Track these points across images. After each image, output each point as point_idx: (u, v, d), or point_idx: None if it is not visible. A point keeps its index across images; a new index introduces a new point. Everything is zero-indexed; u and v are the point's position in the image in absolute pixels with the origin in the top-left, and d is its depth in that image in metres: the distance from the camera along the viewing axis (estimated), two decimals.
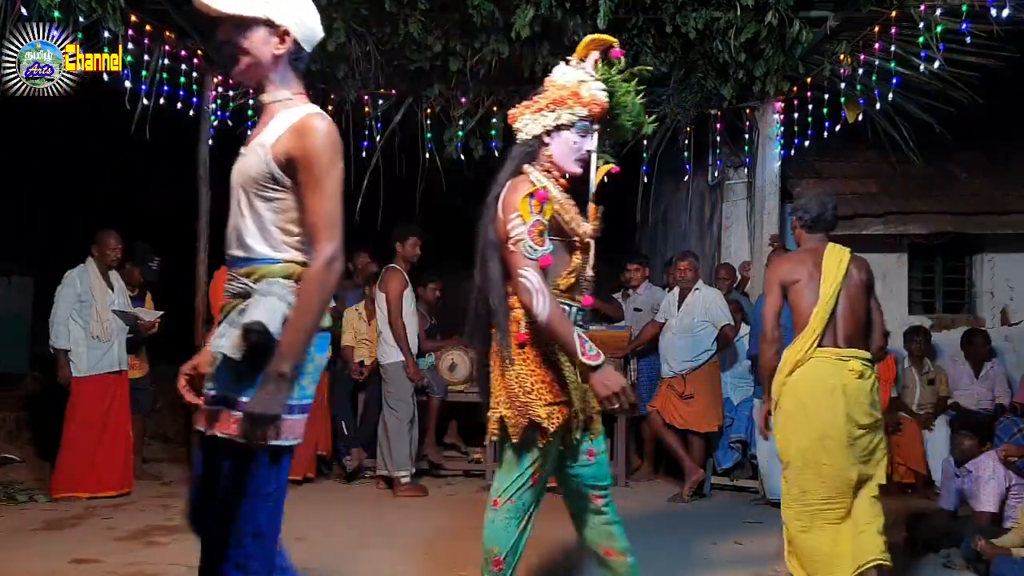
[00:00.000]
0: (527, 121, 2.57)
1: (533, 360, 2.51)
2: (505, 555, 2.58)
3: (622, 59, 2.63)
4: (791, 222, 3.96)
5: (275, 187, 1.95)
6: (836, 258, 3.44)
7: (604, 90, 2.57)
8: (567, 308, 2.53)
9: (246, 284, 1.96)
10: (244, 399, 1.87)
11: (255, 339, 1.86)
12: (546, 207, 2.46)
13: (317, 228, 1.92)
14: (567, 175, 2.57)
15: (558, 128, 2.53)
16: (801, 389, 3.32)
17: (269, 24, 1.97)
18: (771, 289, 3.56)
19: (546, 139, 2.55)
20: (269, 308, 1.89)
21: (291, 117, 1.96)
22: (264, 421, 1.82)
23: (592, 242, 2.63)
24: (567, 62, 2.64)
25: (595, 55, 2.61)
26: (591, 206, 2.63)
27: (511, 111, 2.68)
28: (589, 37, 2.66)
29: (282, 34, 1.99)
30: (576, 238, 2.56)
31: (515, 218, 2.41)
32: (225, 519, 1.90)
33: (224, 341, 1.91)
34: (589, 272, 2.64)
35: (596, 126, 2.56)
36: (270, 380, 1.84)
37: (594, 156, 2.56)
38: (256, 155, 1.96)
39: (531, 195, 2.43)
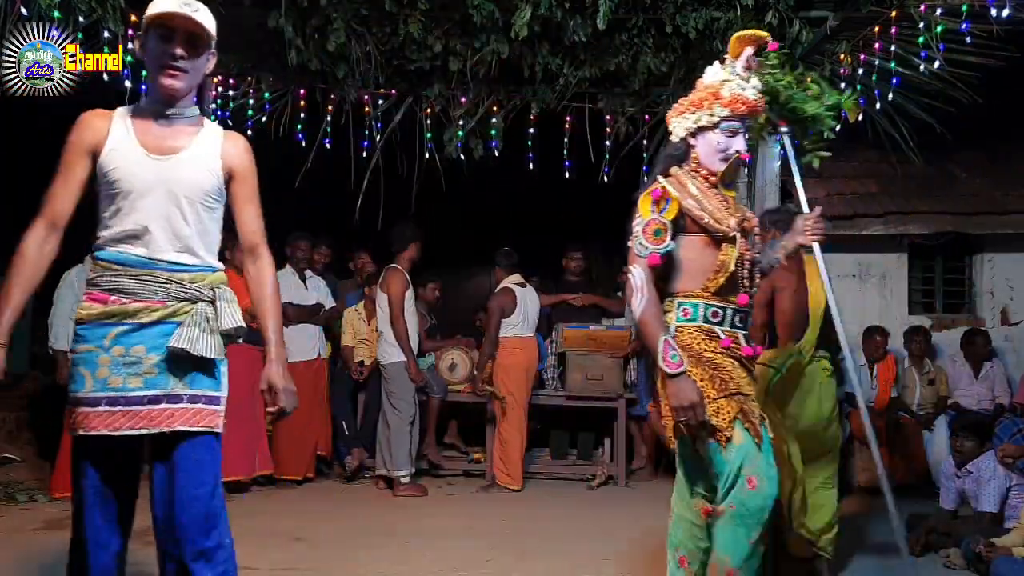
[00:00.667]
0: (675, 124, 2.61)
1: (730, 362, 2.48)
2: (738, 566, 2.37)
3: (773, 53, 2.64)
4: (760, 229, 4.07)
5: (217, 200, 2.16)
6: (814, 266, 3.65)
7: (756, 88, 2.55)
8: (720, 311, 2.51)
9: (195, 290, 2.10)
10: (205, 392, 2.08)
11: (232, 341, 2.13)
12: (669, 206, 2.45)
13: (259, 235, 2.24)
14: (716, 174, 2.56)
15: (700, 129, 2.54)
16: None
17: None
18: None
19: (691, 140, 2.57)
20: (236, 312, 2.14)
21: (217, 132, 2.19)
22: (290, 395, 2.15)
23: (740, 235, 2.52)
24: (722, 62, 2.62)
25: (748, 51, 2.57)
26: (729, 195, 2.60)
27: (668, 113, 2.68)
28: (740, 34, 2.61)
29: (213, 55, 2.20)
30: (720, 233, 2.49)
31: (636, 217, 2.48)
32: (211, 505, 2.06)
33: (196, 342, 2.04)
34: (735, 267, 2.52)
35: (745, 124, 2.55)
36: (281, 365, 2.16)
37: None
38: (203, 169, 2.12)
39: (650, 194, 2.47)
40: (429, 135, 6.29)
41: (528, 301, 5.98)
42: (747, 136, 2.58)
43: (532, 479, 6.10)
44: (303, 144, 6.07)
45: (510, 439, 5.77)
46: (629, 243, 2.46)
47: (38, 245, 2.09)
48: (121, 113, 2.14)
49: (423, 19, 5.28)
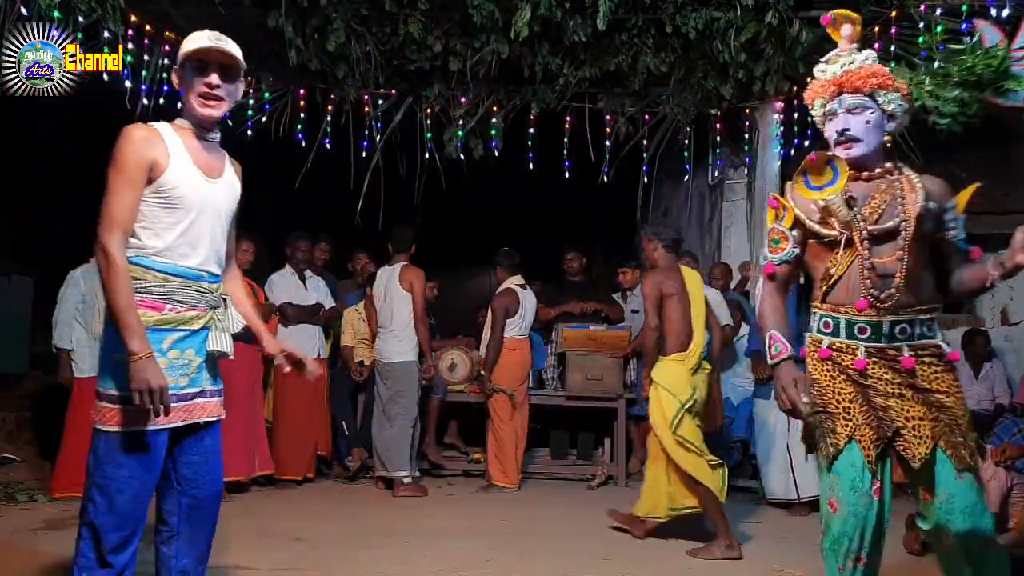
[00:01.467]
0: None
1: (827, 374, 2.40)
2: None
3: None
4: (643, 242, 4.53)
5: (231, 220, 2.45)
6: (693, 278, 4.41)
7: (842, 64, 2.41)
8: (830, 321, 2.38)
9: (218, 298, 2.39)
10: (218, 387, 2.41)
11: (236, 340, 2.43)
12: (785, 214, 2.43)
13: (233, 251, 2.60)
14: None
15: (823, 121, 2.48)
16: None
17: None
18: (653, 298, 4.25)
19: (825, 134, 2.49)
20: (239, 316, 2.51)
21: (227, 157, 2.46)
22: None
23: (856, 236, 2.34)
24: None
25: (847, 30, 2.46)
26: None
27: None
28: (835, 14, 2.50)
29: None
30: (827, 238, 2.38)
31: None
32: (219, 485, 2.42)
33: (228, 344, 2.37)
34: (846, 273, 2.36)
35: (839, 106, 2.38)
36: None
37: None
38: (234, 191, 2.43)
39: (769, 203, 2.48)
40: (429, 135, 6.30)
41: (527, 303, 5.99)
42: (868, 112, 2.36)
43: (532, 479, 6.09)
44: (303, 144, 6.08)
45: (505, 437, 5.77)
46: None
47: (123, 256, 2.19)
48: (167, 132, 2.33)
49: (423, 19, 5.28)
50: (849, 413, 2.31)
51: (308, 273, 5.91)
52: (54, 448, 5.15)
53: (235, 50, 2.33)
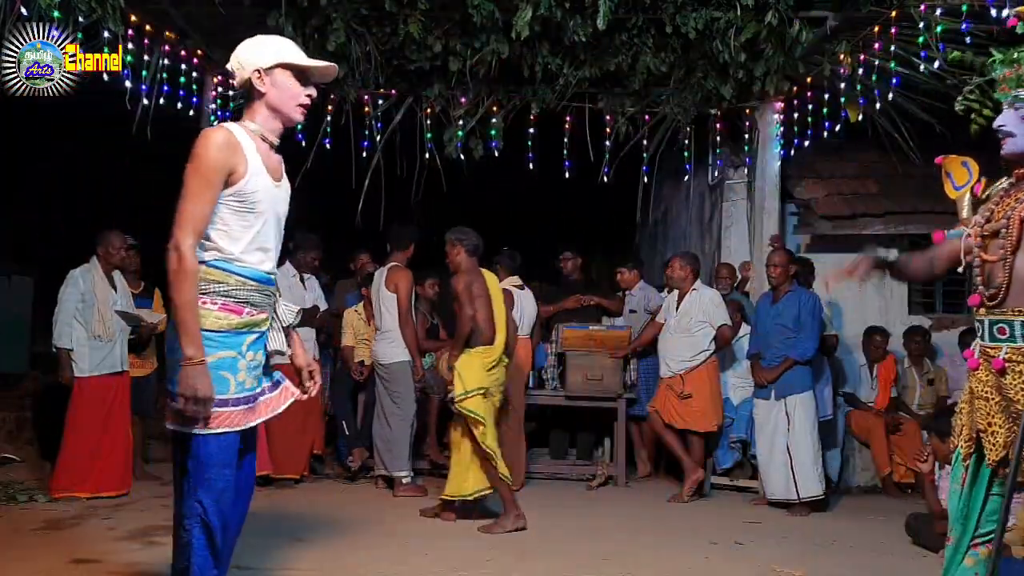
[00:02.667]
0: None
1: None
2: None
3: None
4: (447, 246, 4.76)
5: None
6: (493, 281, 4.80)
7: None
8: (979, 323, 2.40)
9: (275, 298, 2.45)
10: (273, 382, 2.48)
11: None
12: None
13: None
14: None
15: None
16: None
17: None
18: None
19: None
20: (290, 312, 2.52)
21: (281, 159, 2.48)
22: None
23: (973, 232, 2.39)
24: None
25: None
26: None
27: None
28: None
29: None
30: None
31: None
32: (250, 483, 2.55)
33: (280, 344, 2.45)
34: (978, 263, 2.38)
35: (1006, 100, 2.36)
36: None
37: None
38: (288, 195, 2.47)
39: None
40: (429, 135, 6.30)
41: (524, 303, 5.97)
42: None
43: (532, 479, 6.09)
44: (303, 144, 6.08)
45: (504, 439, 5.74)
46: None
47: (195, 258, 2.23)
48: (242, 135, 2.33)
49: (423, 19, 5.28)
50: (962, 409, 2.46)
51: (306, 275, 5.91)
52: (54, 448, 5.14)
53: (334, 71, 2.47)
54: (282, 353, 2.46)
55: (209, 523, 2.29)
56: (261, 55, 2.35)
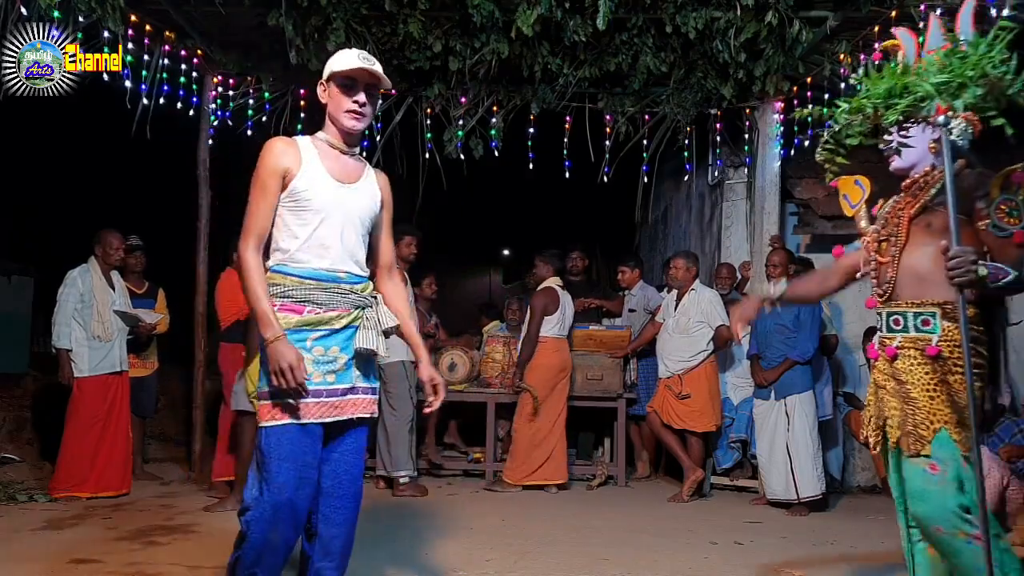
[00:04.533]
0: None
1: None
2: None
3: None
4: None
5: (372, 223, 2.56)
6: None
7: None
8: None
9: (364, 297, 2.49)
10: (372, 384, 2.54)
11: (388, 336, 2.54)
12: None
13: (393, 256, 2.70)
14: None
15: None
16: None
17: None
18: None
19: None
20: (391, 314, 2.56)
21: (372, 169, 2.60)
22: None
23: (866, 238, 2.65)
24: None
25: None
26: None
27: None
28: None
29: None
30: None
31: None
32: (357, 486, 2.65)
33: (377, 343, 2.47)
34: (870, 270, 2.61)
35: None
36: (430, 363, 2.66)
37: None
38: (369, 196, 2.52)
39: None
40: (429, 135, 6.30)
41: (566, 303, 5.96)
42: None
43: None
44: None
45: (520, 437, 5.73)
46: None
47: (258, 260, 2.35)
48: (304, 143, 2.47)
49: (423, 19, 5.28)
50: (869, 401, 2.63)
51: None
52: (54, 448, 5.15)
53: (380, 71, 2.49)
54: (375, 353, 2.48)
55: (263, 517, 2.30)
56: (326, 69, 2.50)
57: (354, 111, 2.47)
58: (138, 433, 5.58)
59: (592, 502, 5.50)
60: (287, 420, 2.33)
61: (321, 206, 2.40)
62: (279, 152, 2.40)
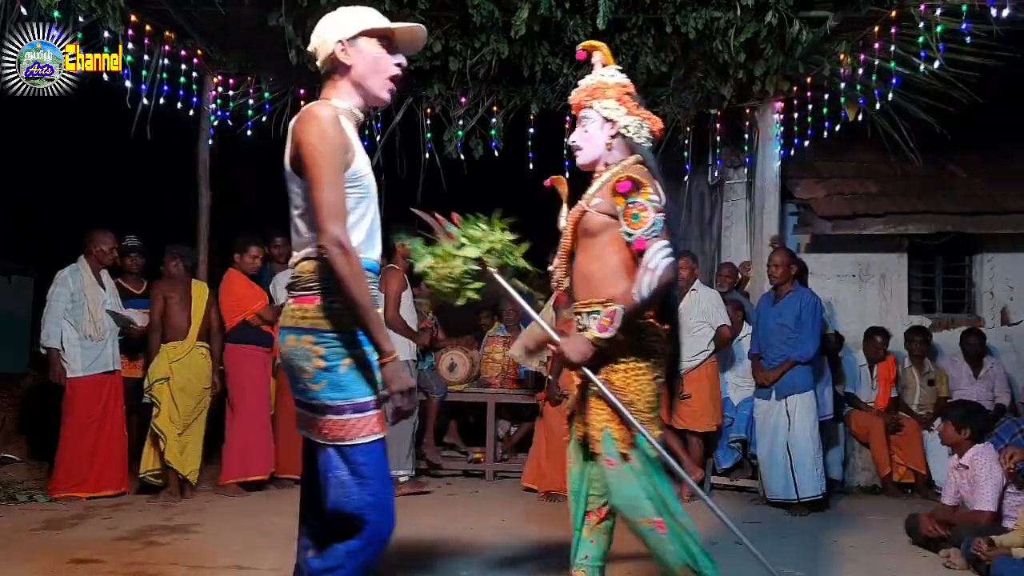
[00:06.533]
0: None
1: None
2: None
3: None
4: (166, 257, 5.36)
5: None
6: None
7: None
8: None
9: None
10: None
11: None
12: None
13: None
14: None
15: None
16: None
17: None
18: None
19: None
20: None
21: None
22: None
23: (564, 236, 2.70)
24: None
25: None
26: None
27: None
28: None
29: None
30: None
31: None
32: None
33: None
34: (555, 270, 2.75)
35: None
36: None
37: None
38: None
39: None
40: (429, 135, 6.29)
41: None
42: (589, 122, 2.60)
43: None
44: None
45: (552, 443, 5.67)
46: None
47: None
48: (340, 111, 2.09)
49: (423, 19, 5.26)
50: (573, 394, 2.68)
51: None
52: (54, 448, 5.15)
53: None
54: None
55: (376, 550, 1.99)
56: (342, 25, 2.13)
57: (395, 77, 2.14)
58: (138, 432, 5.58)
59: None
60: (383, 432, 2.05)
61: (372, 192, 2.11)
62: (341, 124, 2.01)
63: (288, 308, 2.10)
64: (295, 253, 2.14)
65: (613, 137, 2.57)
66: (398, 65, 2.14)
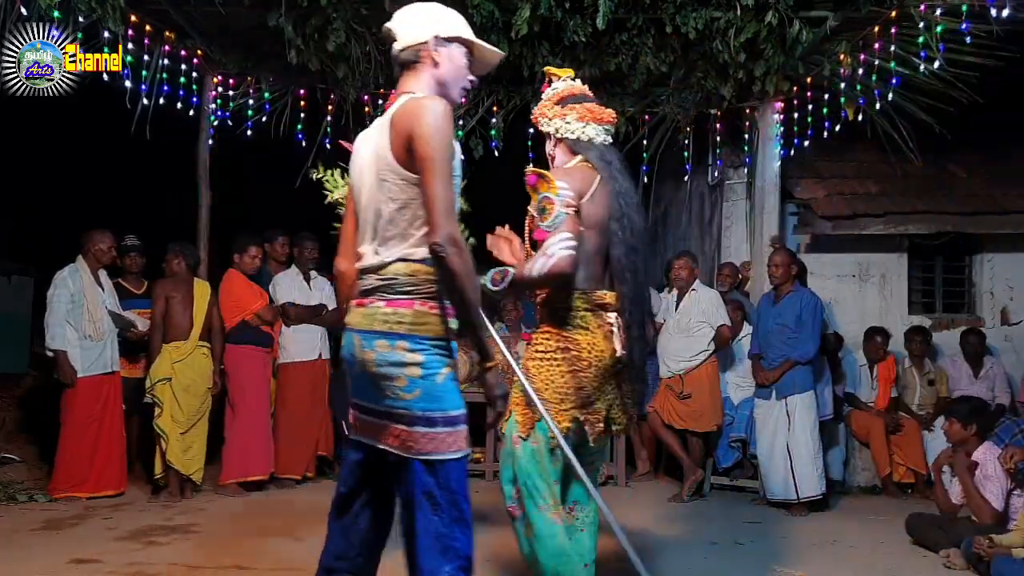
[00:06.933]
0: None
1: None
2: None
3: None
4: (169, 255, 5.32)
5: None
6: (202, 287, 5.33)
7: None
8: None
9: None
10: None
11: None
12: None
13: None
14: None
15: None
16: None
17: None
18: None
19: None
20: None
21: None
22: None
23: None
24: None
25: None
26: None
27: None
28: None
29: None
30: None
31: None
32: None
33: None
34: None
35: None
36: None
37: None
38: None
39: None
40: None
41: None
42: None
43: None
44: (303, 144, 6.07)
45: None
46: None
47: None
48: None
49: None
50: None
51: (313, 274, 5.90)
52: (54, 448, 5.14)
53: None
54: None
55: (471, 557, 1.94)
56: (440, 22, 2.07)
57: (468, 86, 2.16)
58: (139, 433, 5.58)
59: None
60: (469, 449, 1.99)
61: (459, 188, 2.04)
62: (451, 116, 1.95)
63: (375, 311, 1.96)
64: (379, 250, 2.00)
65: (555, 146, 2.80)
66: (471, 81, 2.16)
